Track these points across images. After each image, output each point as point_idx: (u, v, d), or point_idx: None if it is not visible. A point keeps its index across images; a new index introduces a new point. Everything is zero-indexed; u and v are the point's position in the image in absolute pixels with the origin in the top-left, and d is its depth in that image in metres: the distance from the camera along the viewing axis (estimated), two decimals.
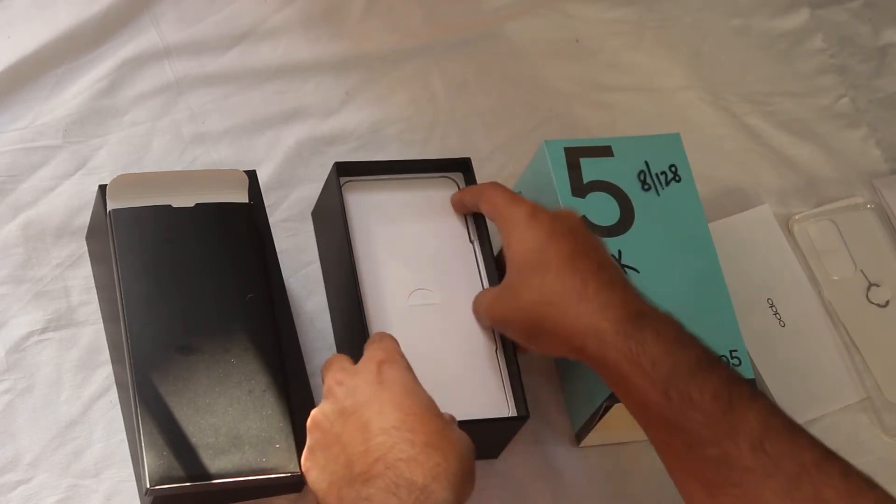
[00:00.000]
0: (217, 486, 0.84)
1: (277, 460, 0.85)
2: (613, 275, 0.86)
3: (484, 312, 0.93)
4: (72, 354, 0.95)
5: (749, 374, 0.95)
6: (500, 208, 0.92)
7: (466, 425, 0.89)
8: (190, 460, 0.84)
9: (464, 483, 0.76)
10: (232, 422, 0.85)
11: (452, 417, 0.81)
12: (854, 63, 1.25)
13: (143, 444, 0.84)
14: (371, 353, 0.82)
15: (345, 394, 0.80)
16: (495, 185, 0.95)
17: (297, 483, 0.86)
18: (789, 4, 1.26)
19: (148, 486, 0.83)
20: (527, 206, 0.90)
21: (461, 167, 1.01)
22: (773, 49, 1.24)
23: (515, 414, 0.92)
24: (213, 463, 0.84)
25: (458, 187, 1.00)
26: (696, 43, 1.23)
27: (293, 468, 0.85)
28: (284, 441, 0.86)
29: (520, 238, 0.89)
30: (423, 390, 0.80)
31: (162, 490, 0.83)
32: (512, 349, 0.93)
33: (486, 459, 0.97)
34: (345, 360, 0.83)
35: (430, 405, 0.79)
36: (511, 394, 0.93)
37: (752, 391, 0.80)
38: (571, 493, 0.98)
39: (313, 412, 0.81)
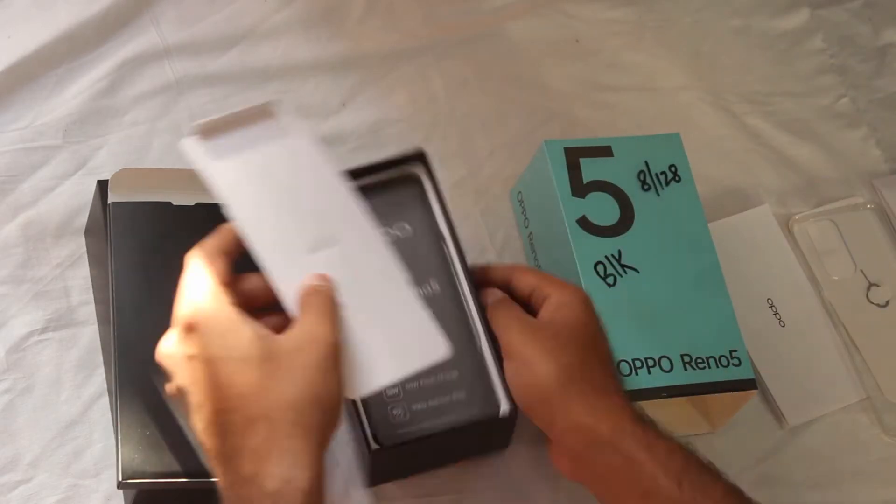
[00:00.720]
0: (188, 484, 0.84)
1: None
2: (622, 383, 0.88)
3: (501, 338, 0.89)
4: (72, 354, 0.95)
5: (749, 374, 0.95)
6: (554, 282, 0.90)
7: (466, 429, 0.90)
8: (164, 457, 0.84)
9: (306, 429, 0.69)
10: None
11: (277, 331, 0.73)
12: (854, 63, 1.25)
13: (119, 438, 0.84)
14: (176, 310, 0.74)
15: (172, 372, 0.73)
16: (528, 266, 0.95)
17: None
18: (789, 4, 1.26)
19: (120, 479, 0.83)
20: (585, 293, 0.89)
21: (418, 159, 0.96)
22: (773, 49, 1.24)
23: (509, 409, 0.89)
24: (186, 462, 0.84)
25: (419, 179, 0.96)
26: (696, 43, 1.23)
27: None
28: None
29: (572, 312, 0.87)
30: (240, 335, 0.71)
31: (133, 484, 0.83)
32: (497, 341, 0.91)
33: (494, 453, 0.97)
34: (174, 315, 0.74)
35: (246, 358, 0.70)
36: (503, 388, 0.90)
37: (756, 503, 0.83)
38: (571, 493, 0.98)
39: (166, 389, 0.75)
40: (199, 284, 0.73)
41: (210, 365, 0.71)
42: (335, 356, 0.72)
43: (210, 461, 0.72)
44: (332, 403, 0.71)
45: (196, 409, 0.72)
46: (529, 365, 0.85)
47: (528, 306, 0.90)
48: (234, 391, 0.70)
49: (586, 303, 0.88)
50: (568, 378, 0.84)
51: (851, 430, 1.06)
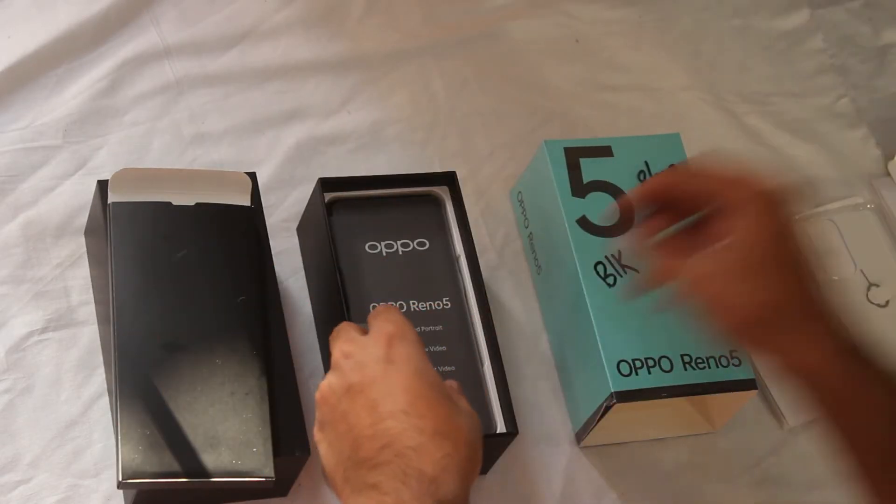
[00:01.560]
0: (189, 484, 0.84)
1: (253, 464, 0.85)
2: (825, 299, 0.82)
3: (694, 282, 0.81)
4: (72, 354, 0.95)
5: (749, 374, 0.95)
6: (732, 181, 0.81)
7: None
8: (164, 457, 0.84)
9: (472, 471, 0.74)
10: (211, 422, 0.85)
11: (460, 388, 0.79)
12: (854, 63, 1.25)
13: (119, 438, 0.84)
14: (380, 326, 0.79)
15: (352, 368, 0.77)
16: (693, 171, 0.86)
17: (271, 488, 0.86)
18: (789, 4, 1.26)
19: (120, 478, 0.83)
20: (768, 188, 0.80)
21: (447, 181, 1.00)
22: (773, 49, 1.24)
23: (505, 430, 0.92)
24: (187, 461, 0.84)
25: (442, 202, 1.00)
26: (696, 43, 1.23)
27: (268, 473, 0.84)
28: (262, 446, 0.85)
29: (759, 223, 0.79)
30: (433, 370, 0.77)
31: (133, 484, 0.83)
32: (500, 365, 0.93)
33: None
34: (354, 331, 0.80)
35: (439, 386, 0.76)
36: (500, 409, 0.92)
37: None
38: (572, 494, 0.98)
39: (321, 384, 0.79)
40: (397, 313, 0.81)
41: (407, 373, 0.76)
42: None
43: (354, 457, 0.75)
44: (481, 449, 0.77)
45: (371, 404, 0.75)
46: (725, 301, 0.79)
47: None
48: (424, 403, 0.75)
49: (771, 209, 0.80)
50: (774, 308, 0.78)
51: None
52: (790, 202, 0.81)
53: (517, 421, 0.92)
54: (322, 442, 0.78)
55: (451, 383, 0.79)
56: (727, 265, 0.79)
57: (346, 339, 0.80)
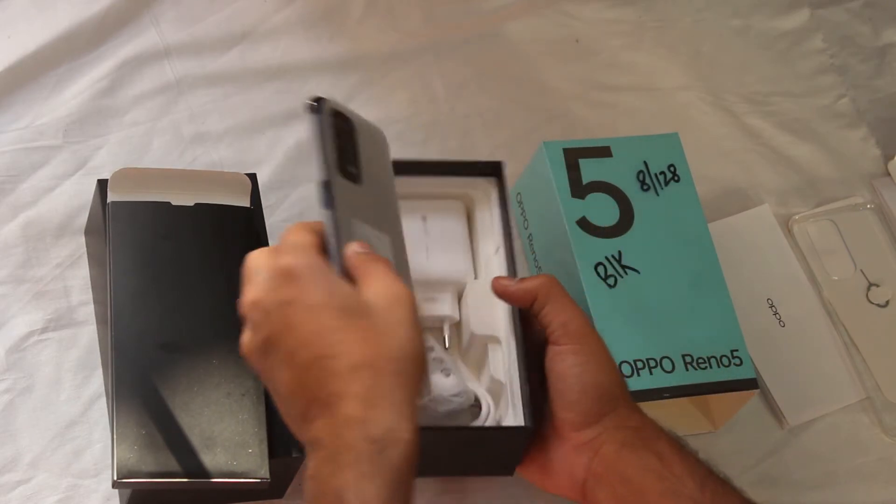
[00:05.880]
0: (184, 485, 0.84)
1: (248, 465, 0.84)
2: None
3: (571, 322, 0.87)
4: (72, 354, 0.95)
5: (750, 374, 0.95)
6: (583, 331, 0.87)
7: (477, 432, 0.90)
8: (160, 457, 0.84)
9: (407, 387, 0.69)
10: (206, 423, 0.85)
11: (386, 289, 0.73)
12: (854, 63, 1.25)
13: (115, 437, 0.84)
14: (276, 261, 0.73)
15: (259, 320, 0.72)
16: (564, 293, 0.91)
17: (266, 489, 0.85)
18: (789, 4, 1.26)
19: (115, 478, 0.83)
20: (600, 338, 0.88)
21: (493, 171, 0.98)
22: (773, 49, 1.24)
23: (523, 423, 0.89)
24: (182, 462, 0.84)
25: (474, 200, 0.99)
26: (696, 43, 1.23)
27: (263, 474, 0.84)
28: (257, 447, 0.85)
29: (597, 369, 0.86)
30: (338, 289, 0.71)
31: (128, 484, 0.83)
32: (524, 356, 0.91)
33: (500, 476, 0.95)
34: (258, 269, 0.73)
35: (348, 309, 0.70)
36: (522, 403, 0.89)
37: None
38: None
39: (242, 341, 0.74)
40: (300, 240, 0.74)
41: (310, 311, 0.70)
42: (417, 313, 0.73)
43: (294, 415, 0.71)
44: (423, 360, 0.72)
45: (288, 356, 0.70)
46: (599, 361, 0.86)
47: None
48: (336, 337, 0.70)
49: (607, 361, 0.88)
50: (620, 384, 0.86)
51: (851, 430, 1.06)
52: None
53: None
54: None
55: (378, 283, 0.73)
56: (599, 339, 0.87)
57: (250, 283, 0.73)
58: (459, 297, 0.97)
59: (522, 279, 0.89)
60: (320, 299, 0.71)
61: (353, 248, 0.74)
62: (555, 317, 0.87)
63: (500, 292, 0.90)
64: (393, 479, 0.67)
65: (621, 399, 0.86)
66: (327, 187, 0.77)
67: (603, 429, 0.85)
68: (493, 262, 0.96)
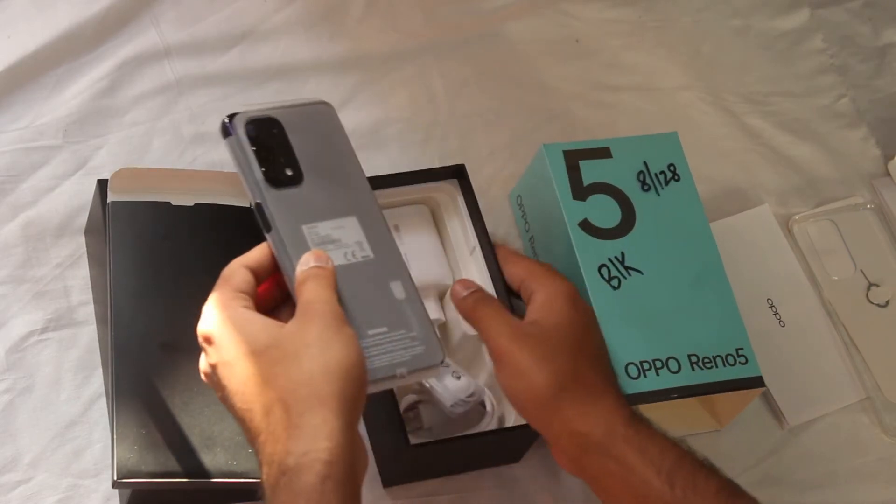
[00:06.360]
0: (184, 485, 0.84)
1: (248, 465, 0.85)
2: (615, 379, 0.89)
3: (488, 341, 0.87)
4: (72, 354, 0.95)
5: (756, 372, 0.95)
6: (539, 276, 0.90)
7: (488, 436, 0.91)
8: (160, 457, 0.84)
9: (324, 399, 0.70)
10: (207, 423, 0.85)
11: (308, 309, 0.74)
12: (854, 63, 1.25)
13: (115, 437, 0.84)
14: (199, 328, 0.76)
15: (210, 383, 0.76)
16: (517, 253, 0.95)
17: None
18: (789, 4, 1.26)
19: (115, 478, 0.83)
20: (570, 285, 0.90)
21: (456, 174, 1.00)
22: (773, 49, 1.24)
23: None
24: (182, 462, 0.84)
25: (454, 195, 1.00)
26: (696, 43, 1.23)
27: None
28: None
29: (559, 312, 0.87)
30: (248, 331, 0.73)
31: (128, 484, 0.83)
32: None
33: (506, 465, 0.98)
34: (204, 331, 0.76)
35: (254, 352, 0.72)
36: None
37: (751, 496, 0.83)
38: (577, 496, 0.98)
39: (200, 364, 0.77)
40: (213, 300, 0.76)
41: (226, 367, 0.73)
42: (336, 322, 0.73)
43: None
44: (345, 369, 0.72)
45: (231, 409, 0.74)
46: (522, 373, 0.85)
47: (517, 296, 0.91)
48: (250, 386, 0.72)
49: (573, 298, 0.89)
50: (560, 385, 0.84)
51: (851, 430, 1.06)
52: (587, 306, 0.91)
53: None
54: None
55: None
56: (525, 335, 0.86)
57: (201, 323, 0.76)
58: (442, 299, 0.98)
59: (465, 297, 0.90)
60: (233, 354, 0.73)
61: (299, 269, 0.76)
62: (481, 334, 0.88)
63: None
64: (310, 499, 0.68)
65: (566, 401, 0.84)
66: (260, 210, 0.77)
67: (556, 434, 0.85)
68: (471, 263, 0.97)
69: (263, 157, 0.77)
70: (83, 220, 0.99)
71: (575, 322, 0.88)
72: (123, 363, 0.86)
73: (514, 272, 0.92)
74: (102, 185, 0.93)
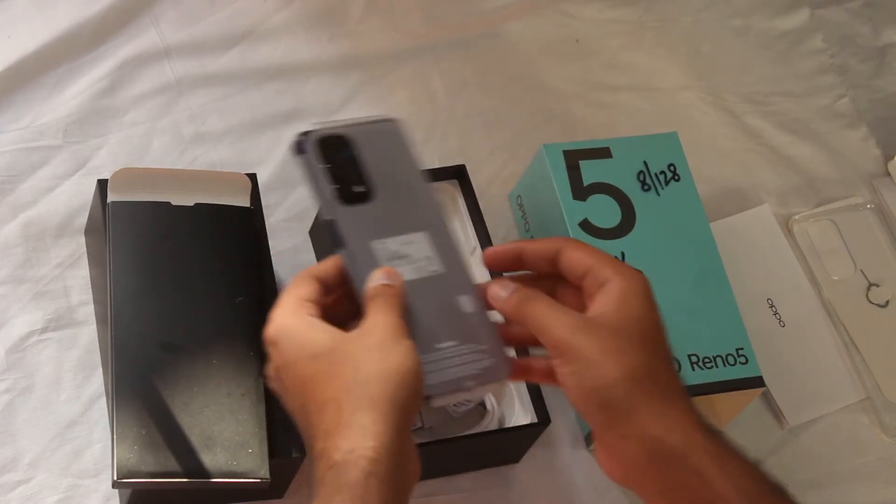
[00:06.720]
0: (184, 485, 0.84)
1: (248, 465, 0.85)
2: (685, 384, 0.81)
3: (547, 336, 0.78)
4: (72, 354, 0.95)
5: (756, 372, 0.95)
6: (615, 265, 0.80)
7: (489, 436, 0.92)
8: (160, 457, 0.84)
9: (374, 408, 0.71)
10: (207, 423, 0.85)
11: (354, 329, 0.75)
12: (854, 63, 1.25)
13: (115, 437, 0.84)
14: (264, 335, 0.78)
15: (275, 387, 0.78)
16: (576, 240, 0.83)
17: (266, 489, 0.86)
18: (789, 4, 1.27)
19: (115, 478, 0.83)
20: (647, 279, 0.81)
21: (456, 175, 1.00)
22: (773, 49, 1.24)
23: (535, 420, 0.93)
24: (182, 462, 0.84)
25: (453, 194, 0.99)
26: (696, 43, 1.23)
27: (263, 474, 0.84)
28: (258, 447, 0.85)
29: (638, 305, 0.79)
30: (309, 336, 0.75)
31: (128, 484, 0.83)
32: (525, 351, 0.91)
33: (506, 465, 0.98)
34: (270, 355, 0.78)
35: (314, 355, 0.74)
36: (530, 400, 0.93)
37: None
38: (580, 497, 0.98)
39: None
40: (281, 305, 0.78)
41: (288, 369, 0.76)
42: (396, 333, 0.75)
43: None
44: (400, 375, 0.73)
45: (291, 411, 0.76)
46: (591, 365, 0.76)
47: (577, 289, 0.81)
48: (308, 385, 0.74)
49: (649, 292, 0.80)
50: (634, 382, 0.76)
51: (851, 430, 1.06)
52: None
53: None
54: None
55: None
56: (596, 335, 0.78)
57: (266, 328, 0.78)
58: None
59: (507, 298, 0.81)
60: (294, 356, 0.75)
61: (369, 285, 0.77)
62: (535, 331, 0.79)
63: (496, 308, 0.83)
64: (354, 495, 0.70)
65: (639, 400, 0.76)
66: (332, 227, 0.77)
67: (621, 435, 0.76)
68: (472, 264, 0.96)
69: (335, 174, 0.78)
70: (83, 220, 0.99)
71: (653, 318, 0.79)
72: (123, 363, 0.86)
73: (579, 258, 0.80)
74: (102, 185, 0.93)
